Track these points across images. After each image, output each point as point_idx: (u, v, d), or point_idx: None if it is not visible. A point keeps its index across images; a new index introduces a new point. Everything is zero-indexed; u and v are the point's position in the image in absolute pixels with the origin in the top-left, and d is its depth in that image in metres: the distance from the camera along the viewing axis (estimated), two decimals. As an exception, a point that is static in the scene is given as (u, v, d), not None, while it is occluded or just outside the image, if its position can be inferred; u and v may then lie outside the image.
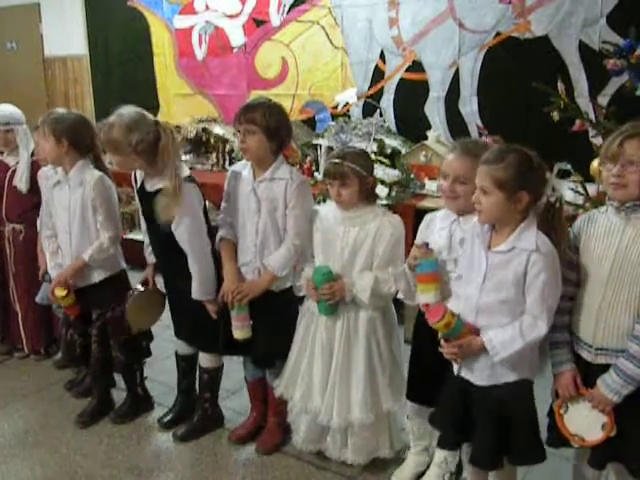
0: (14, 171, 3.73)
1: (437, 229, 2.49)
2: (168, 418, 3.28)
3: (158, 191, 2.79)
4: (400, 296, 2.61)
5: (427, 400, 2.58)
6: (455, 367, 2.29)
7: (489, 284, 2.14)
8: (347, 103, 5.06)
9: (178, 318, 3.12)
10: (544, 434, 2.26)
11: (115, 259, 3.21)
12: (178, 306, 3.08)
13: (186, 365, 3.27)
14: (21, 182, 3.69)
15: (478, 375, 2.22)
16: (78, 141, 3.07)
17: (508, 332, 2.11)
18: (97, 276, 3.18)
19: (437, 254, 2.40)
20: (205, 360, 3.17)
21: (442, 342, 2.24)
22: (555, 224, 2.15)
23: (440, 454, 2.68)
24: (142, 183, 2.93)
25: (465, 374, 2.26)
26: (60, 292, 3.13)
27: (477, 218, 2.18)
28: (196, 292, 2.89)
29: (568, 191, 3.60)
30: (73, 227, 3.11)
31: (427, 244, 2.40)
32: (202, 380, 3.21)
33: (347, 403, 2.72)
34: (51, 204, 3.22)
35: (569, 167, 3.83)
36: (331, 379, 2.73)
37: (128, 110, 2.81)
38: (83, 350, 3.33)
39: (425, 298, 2.39)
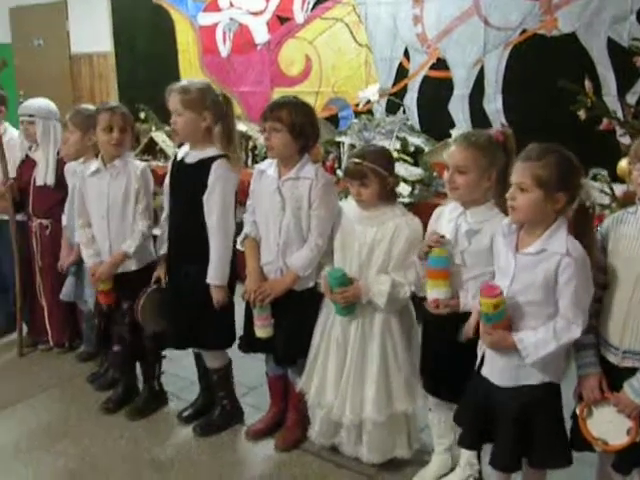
0: (42, 167, 3.79)
1: (445, 222, 2.49)
2: (188, 412, 3.29)
3: (200, 162, 2.88)
4: (412, 288, 2.61)
5: (441, 393, 2.60)
6: (477, 364, 2.27)
7: (516, 286, 2.11)
8: (369, 101, 5.04)
9: (176, 315, 3.03)
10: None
11: (148, 250, 3.24)
12: (180, 300, 3.00)
13: (203, 363, 3.27)
14: (45, 177, 3.73)
15: (501, 376, 2.20)
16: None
17: (541, 334, 2.07)
18: (132, 265, 3.20)
19: (449, 246, 2.40)
20: (210, 360, 3.16)
21: (481, 322, 2.17)
22: (587, 229, 2.11)
23: (464, 457, 2.65)
24: (182, 158, 2.98)
25: (487, 374, 2.24)
26: None
27: (510, 218, 2.15)
28: (211, 275, 2.88)
29: (595, 191, 3.56)
30: (112, 214, 3.15)
31: (442, 235, 2.41)
32: (213, 381, 3.21)
33: (360, 400, 2.71)
34: (85, 193, 3.25)
35: (605, 174, 3.76)
36: (345, 376, 2.73)
37: (199, 78, 2.96)
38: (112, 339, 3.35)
39: (436, 293, 2.40)
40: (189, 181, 2.94)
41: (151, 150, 5.82)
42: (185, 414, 3.29)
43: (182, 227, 3.00)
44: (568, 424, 2.24)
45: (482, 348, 2.26)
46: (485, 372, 2.25)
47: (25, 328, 4.11)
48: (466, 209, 2.42)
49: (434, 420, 2.75)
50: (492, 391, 2.22)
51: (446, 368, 2.44)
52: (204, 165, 2.88)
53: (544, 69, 4.33)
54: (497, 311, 2.10)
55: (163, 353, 3.37)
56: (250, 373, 3.39)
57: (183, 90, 2.88)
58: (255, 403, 3.37)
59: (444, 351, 2.38)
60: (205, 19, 6.04)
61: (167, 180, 3.09)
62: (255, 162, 5.22)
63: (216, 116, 2.91)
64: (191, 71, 6.23)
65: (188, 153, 2.97)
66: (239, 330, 3.05)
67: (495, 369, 2.21)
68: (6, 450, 3.09)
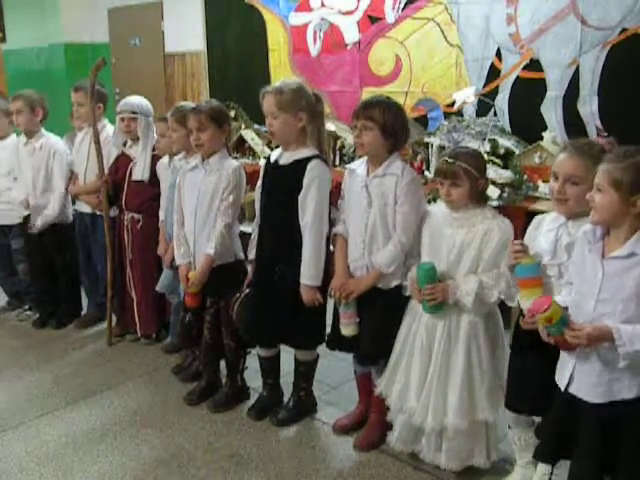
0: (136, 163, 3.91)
1: (544, 231, 2.40)
2: (254, 410, 3.31)
3: (294, 163, 2.91)
4: (502, 296, 2.56)
5: (526, 409, 2.52)
6: (564, 382, 2.17)
7: (606, 294, 2.02)
8: (464, 102, 4.95)
9: (266, 314, 3.05)
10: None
11: (230, 248, 3.27)
12: (270, 301, 3.03)
13: (269, 365, 3.30)
14: (142, 172, 3.86)
15: (591, 391, 2.09)
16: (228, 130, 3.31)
17: (639, 329, 1.95)
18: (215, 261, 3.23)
19: (538, 257, 2.33)
20: (301, 353, 3.20)
21: (569, 328, 2.05)
22: None
23: (542, 468, 2.56)
24: (275, 160, 3.02)
25: (576, 390, 2.14)
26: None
27: (590, 219, 2.07)
28: (304, 275, 2.91)
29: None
30: (199, 210, 3.21)
31: (523, 243, 2.35)
32: (298, 371, 3.25)
33: (442, 406, 2.67)
34: (182, 188, 3.33)
35: None
36: (428, 381, 2.70)
37: (291, 79, 2.99)
38: (198, 333, 3.43)
39: (529, 303, 2.30)
40: (284, 182, 2.96)
41: (240, 148, 5.90)
42: (252, 412, 3.31)
43: (276, 228, 3.02)
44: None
45: (569, 366, 2.16)
46: (573, 389, 2.14)
47: (114, 318, 4.24)
48: (568, 219, 2.33)
49: (514, 437, 2.69)
50: (580, 408, 2.12)
51: (534, 382, 2.36)
52: (299, 166, 2.91)
53: (645, 70, 4.15)
54: (553, 324, 2.04)
55: (248, 349, 3.41)
56: (333, 372, 3.40)
57: (277, 92, 2.89)
58: (335, 401, 3.38)
59: (538, 360, 2.32)
60: (296, 19, 6.08)
61: (259, 183, 3.12)
62: (343, 161, 5.22)
63: (310, 116, 2.93)
64: (281, 70, 6.29)
65: (281, 155, 3.01)
66: (328, 329, 3.07)
67: (585, 385, 2.11)
68: (93, 435, 3.20)
